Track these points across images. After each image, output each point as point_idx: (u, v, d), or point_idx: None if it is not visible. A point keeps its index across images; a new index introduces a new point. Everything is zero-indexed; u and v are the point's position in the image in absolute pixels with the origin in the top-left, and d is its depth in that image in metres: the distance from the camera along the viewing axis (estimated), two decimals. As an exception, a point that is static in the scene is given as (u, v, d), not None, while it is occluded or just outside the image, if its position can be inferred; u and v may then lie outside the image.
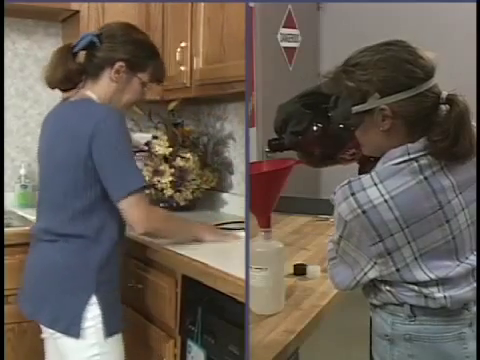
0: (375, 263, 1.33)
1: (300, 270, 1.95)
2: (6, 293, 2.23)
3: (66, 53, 1.85)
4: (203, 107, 3.01)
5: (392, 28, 3.52)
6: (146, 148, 2.66)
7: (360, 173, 1.51)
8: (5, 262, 2.23)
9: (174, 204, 2.65)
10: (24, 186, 2.84)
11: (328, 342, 1.89)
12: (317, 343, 1.76)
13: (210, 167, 2.77)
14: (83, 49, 1.85)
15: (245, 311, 1.49)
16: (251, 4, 3.36)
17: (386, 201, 1.28)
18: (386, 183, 1.30)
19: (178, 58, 2.45)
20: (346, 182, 1.33)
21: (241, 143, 2.74)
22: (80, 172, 1.73)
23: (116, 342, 1.81)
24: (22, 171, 2.85)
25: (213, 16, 2.30)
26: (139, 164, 1.96)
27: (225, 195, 2.81)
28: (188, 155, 2.66)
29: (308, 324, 1.61)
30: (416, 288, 1.33)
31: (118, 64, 1.83)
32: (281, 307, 1.69)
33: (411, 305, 1.35)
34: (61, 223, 1.78)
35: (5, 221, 2.47)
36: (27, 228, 2.31)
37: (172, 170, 2.62)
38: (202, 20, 2.35)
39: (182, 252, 1.84)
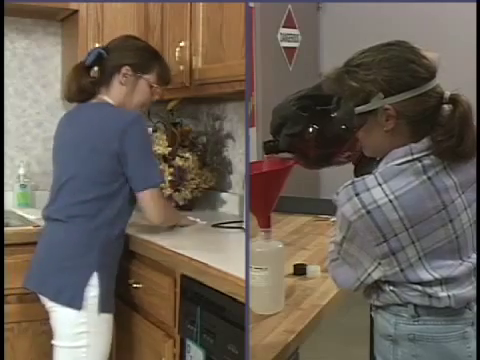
0: (379, 264, 1.32)
1: (300, 270, 1.94)
2: (6, 293, 2.22)
3: (80, 69, 2.11)
4: (202, 107, 3.01)
5: (392, 28, 3.54)
6: None
7: (356, 175, 1.50)
8: (5, 262, 2.22)
9: (173, 203, 2.65)
10: (23, 186, 2.83)
11: (328, 342, 1.90)
12: (317, 343, 1.76)
13: (209, 167, 2.77)
14: (94, 62, 2.08)
15: (245, 311, 1.49)
16: (251, 4, 3.36)
17: (391, 201, 1.28)
18: (390, 183, 1.29)
19: (177, 57, 2.45)
20: (350, 182, 1.33)
21: (240, 143, 2.73)
22: (107, 163, 1.96)
23: (108, 320, 1.99)
24: (21, 171, 2.84)
25: (212, 16, 2.30)
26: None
27: (224, 195, 2.81)
28: (187, 155, 2.66)
29: (308, 324, 1.60)
30: (420, 288, 1.32)
31: (124, 68, 2.07)
32: (281, 307, 1.68)
33: (415, 305, 1.34)
34: (77, 205, 1.98)
35: (4, 221, 2.46)
36: (26, 228, 2.32)
37: (171, 169, 2.62)
38: (201, 19, 2.35)
39: (181, 251, 1.84)
